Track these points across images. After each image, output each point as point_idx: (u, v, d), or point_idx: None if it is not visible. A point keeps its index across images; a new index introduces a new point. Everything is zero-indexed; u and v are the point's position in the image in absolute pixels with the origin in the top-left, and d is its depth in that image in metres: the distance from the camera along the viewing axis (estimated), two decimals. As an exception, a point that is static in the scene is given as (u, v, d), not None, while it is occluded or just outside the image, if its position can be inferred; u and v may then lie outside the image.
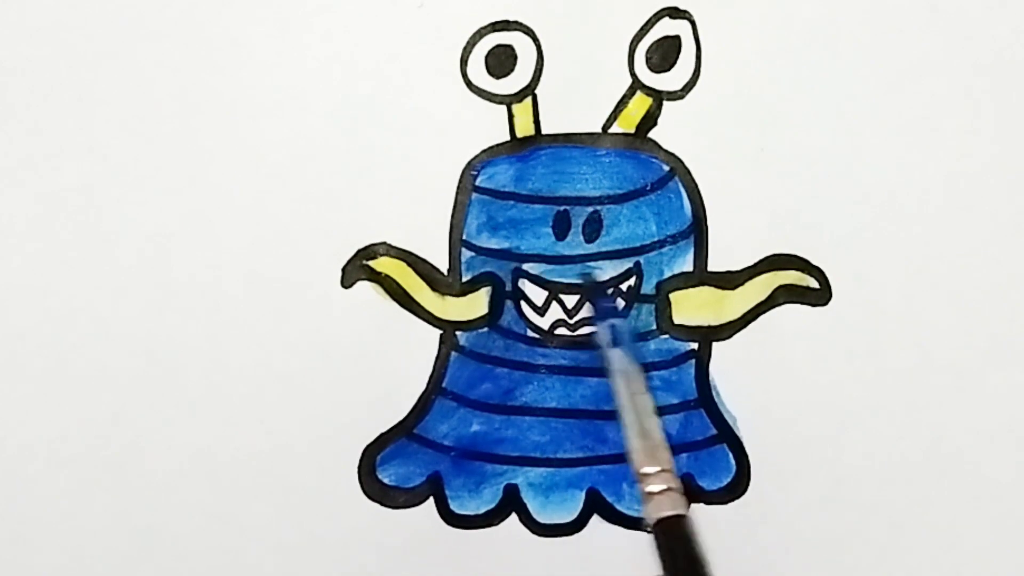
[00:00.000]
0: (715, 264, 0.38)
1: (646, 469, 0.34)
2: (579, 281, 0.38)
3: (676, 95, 0.38)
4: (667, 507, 0.33)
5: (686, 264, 0.38)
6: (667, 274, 0.38)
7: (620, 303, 0.37)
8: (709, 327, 0.38)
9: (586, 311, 0.38)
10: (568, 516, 0.38)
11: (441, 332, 0.38)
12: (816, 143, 0.38)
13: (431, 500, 0.37)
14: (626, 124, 0.38)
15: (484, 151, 0.38)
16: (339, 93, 0.38)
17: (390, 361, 0.38)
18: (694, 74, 0.38)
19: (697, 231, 0.38)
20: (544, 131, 0.38)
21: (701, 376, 0.37)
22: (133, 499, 0.38)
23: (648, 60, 0.38)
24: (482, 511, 0.38)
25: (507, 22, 0.38)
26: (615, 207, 0.38)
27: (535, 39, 0.38)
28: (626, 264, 0.38)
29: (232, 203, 0.38)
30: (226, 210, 0.38)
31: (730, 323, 0.37)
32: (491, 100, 0.38)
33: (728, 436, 0.37)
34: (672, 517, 0.33)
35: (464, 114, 0.38)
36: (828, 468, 0.37)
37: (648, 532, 0.33)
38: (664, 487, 0.33)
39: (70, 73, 0.38)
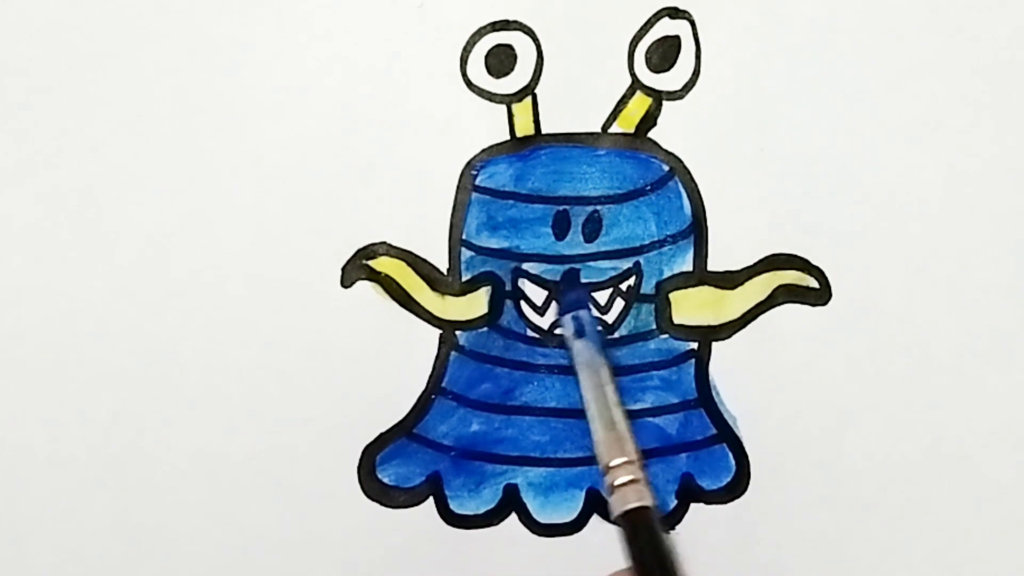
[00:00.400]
0: (715, 264, 0.38)
1: (613, 461, 0.34)
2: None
3: (676, 95, 0.38)
4: (633, 499, 0.33)
5: (686, 264, 0.38)
6: (667, 274, 0.38)
7: (584, 294, 0.37)
8: (709, 327, 0.38)
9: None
10: (568, 516, 0.37)
11: (441, 332, 0.38)
12: (816, 143, 0.38)
13: (431, 500, 0.37)
14: (626, 124, 0.38)
15: (484, 151, 0.38)
16: (339, 93, 0.38)
17: (390, 361, 0.38)
18: (694, 74, 0.38)
19: (697, 231, 0.38)
20: (544, 131, 0.38)
21: (701, 376, 0.37)
22: (133, 499, 0.38)
23: (648, 60, 0.38)
24: (482, 511, 0.37)
25: (507, 22, 0.38)
26: (615, 207, 0.38)
27: (535, 39, 0.38)
28: (626, 264, 0.38)
29: (232, 203, 0.38)
30: (226, 210, 0.38)
31: (730, 323, 0.37)
32: (491, 100, 0.38)
33: (728, 436, 0.37)
34: (638, 508, 0.33)
35: (464, 114, 0.38)
36: (828, 468, 0.37)
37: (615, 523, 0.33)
38: (630, 478, 0.33)
39: (70, 73, 0.38)
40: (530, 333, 0.38)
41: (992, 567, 0.37)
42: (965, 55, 0.37)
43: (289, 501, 0.37)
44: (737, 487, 0.37)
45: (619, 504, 0.33)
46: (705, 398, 0.37)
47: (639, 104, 0.38)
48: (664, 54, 0.38)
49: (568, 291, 0.37)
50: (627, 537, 0.32)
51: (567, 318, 0.37)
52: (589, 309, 0.37)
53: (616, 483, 0.33)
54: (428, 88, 0.38)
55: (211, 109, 0.38)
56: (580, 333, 0.36)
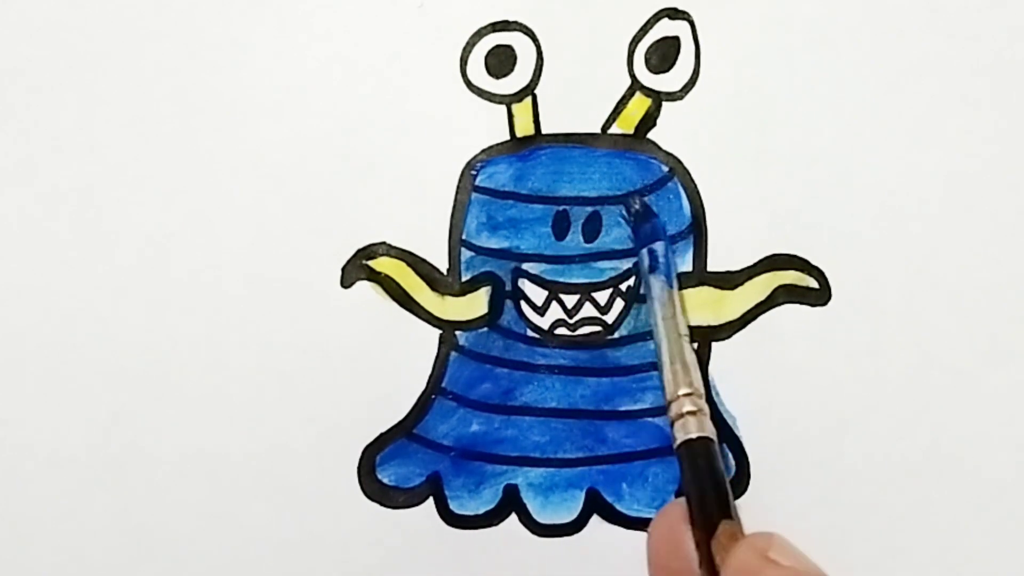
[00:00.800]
0: (714, 264, 0.38)
1: (678, 391, 0.34)
2: (624, 208, 0.38)
3: (675, 96, 0.38)
4: (695, 429, 0.33)
5: (685, 264, 0.38)
6: (667, 274, 0.38)
7: (659, 224, 0.37)
8: (709, 327, 0.38)
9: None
10: (568, 516, 0.37)
11: (441, 332, 0.38)
12: (816, 143, 0.38)
13: (431, 500, 0.37)
14: (625, 124, 0.38)
15: (484, 151, 0.38)
16: (339, 93, 0.38)
17: (390, 361, 0.38)
18: (693, 75, 0.38)
19: (696, 231, 0.38)
20: (544, 131, 0.38)
21: (701, 376, 0.37)
22: (133, 499, 0.38)
23: (647, 61, 0.38)
24: (482, 511, 0.37)
25: (507, 22, 0.38)
26: (615, 207, 0.38)
27: (535, 39, 0.38)
28: (626, 264, 0.38)
29: (232, 203, 0.38)
30: (226, 210, 0.38)
31: (730, 323, 0.37)
32: (491, 100, 0.38)
33: (728, 436, 0.37)
34: (699, 439, 0.33)
35: (464, 114, 0.38)
36: (828, 468, 0.37)
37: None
38: (694, 408, 0.33)
39: (70, 73, 0.38)
40: (530, 333, 0.38)
41: (992, 567, 0.37)
42: (965, 55, 0.37)
43: (289, 501, 0.37)
44: (737, 487, 0.37)
45: (681, 434, 0.33)
46: (705, 398, 0.37)
47: (639, 105, 0.38)
48: (664, 55, 0.38)
49: (643, 223, 0.37)
50: (686, 467, 0.33)
51: (643, 252, 0.37)
52: (665, 239, 0.37)
53: (679, 412, 0.33)
54: (428, 88, 0.38)
55: (211, 109, 0.38)
56: (654, 268, 0.36)
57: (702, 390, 0.35)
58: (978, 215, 0.37)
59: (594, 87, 0.38)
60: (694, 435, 0.33)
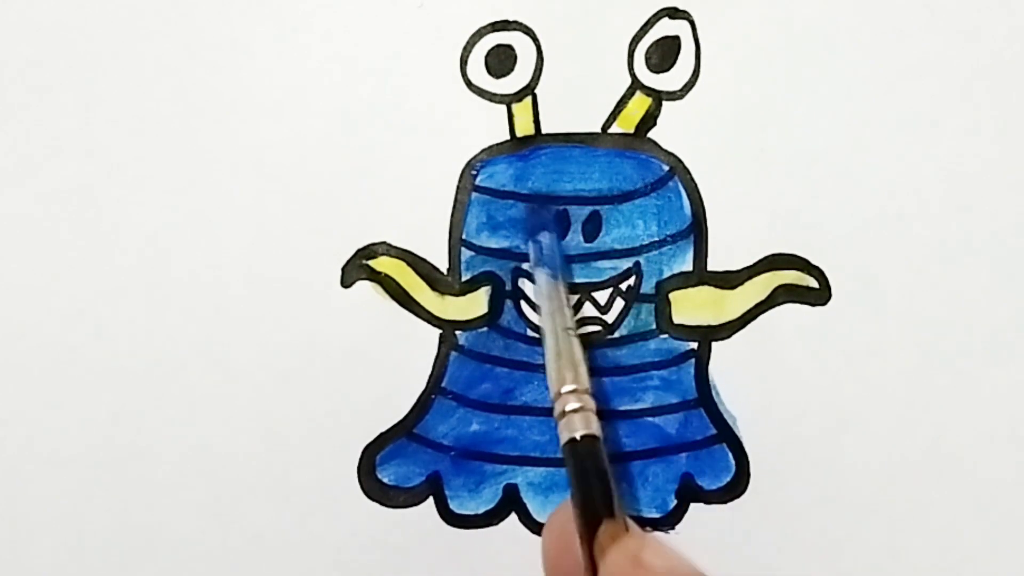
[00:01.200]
0: (715, 264, 0.38)
1: (563, 388, 0.33)
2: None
3: (675, 95, 0.38)
4: (580, 427, 0.32)
5: (686, 264, 0.38)
6: (667, 274, 0.38)
7: (549, 217, 0.37)
8: (709, 327, 0.38)
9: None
10: (568, 516, 0.37)
11: (441, 332, 0.38)
12: (816, 143, 0.38)
13: (431, 500, 0.37)
14: (626, 124, 0.38)
15: (484, 151, 0.38)
16: (339, 93, 0.38)
17: (390, 361, 0.38)
18: (693, 74, 0.38)
19: (697, 231, 0.38)
20: (544, 131, 0.38)
21: (701, 376, 0.37)
22: (133, 499, 0.38)
23: (648, 60, 0.38)
24: (482, 511, 0.37)
25: (507, 22, 0.38)
26: (615, 207, 0.38)
27: (535, 39, 0.38)
28: (626, 264, 0.38)
29: (232, 203, 0.38)
30: (226, 210, 0.38)
31: (730, 323, 0.37)
32: (491, 100, 0.38)
33: (728, 436, 0.37)
34: (584, 437, 0.32)
35: (464, 114, 0.38)
36: (828, 468, 0.37)
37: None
38: (578, 406, 0.33)
39: (70, 73, 0.38)
40: (530, 333, 0.38)
41: (992, 567, 0.37)
42: (965, 55, 0.37)
43: (289, 501, 0.37)
44: (737, 487, 0.37)
45: (567, 432, 0.32)
46: (705, 398, 0.37)
47: (639, 104, 0.38)
48: (664, 54, 0.38)
49: (533, 214, 0.37)
50: (573, 465, 0.32)
51: (530, 243, 0.37)
52: (552, 231, 0.37)
53: (564, 410, 0.33)
54: (428, 88, 0.38)
55: (211, 109, 0.38)
56: (539, 260, 0.36)
57: (587, 385, 0.34)
58: (978, 215, 0.37)
59: (594, 87, 0.38)
60: (578, 433, 0.32)
